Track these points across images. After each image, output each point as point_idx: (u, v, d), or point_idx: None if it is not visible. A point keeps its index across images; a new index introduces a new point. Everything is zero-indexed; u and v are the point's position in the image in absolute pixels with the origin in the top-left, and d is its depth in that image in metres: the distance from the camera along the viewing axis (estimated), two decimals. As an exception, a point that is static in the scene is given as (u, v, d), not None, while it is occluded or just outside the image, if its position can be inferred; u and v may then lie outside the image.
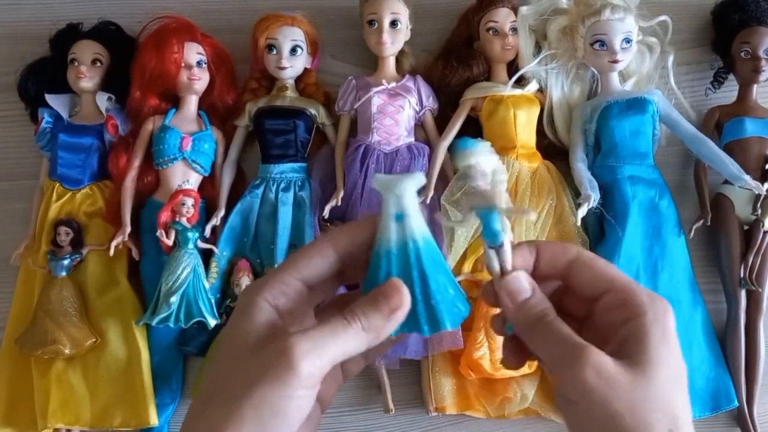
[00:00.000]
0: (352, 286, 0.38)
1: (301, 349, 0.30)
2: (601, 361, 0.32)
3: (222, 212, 0.82)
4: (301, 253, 0.35)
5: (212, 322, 0.76)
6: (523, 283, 0.35)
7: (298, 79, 0.87)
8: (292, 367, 0.29)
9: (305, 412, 0.31)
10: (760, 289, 0.80)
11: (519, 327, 0.36)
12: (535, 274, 0.36)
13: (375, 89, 0.82)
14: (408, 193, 0.33)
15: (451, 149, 0.32)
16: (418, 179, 0.34)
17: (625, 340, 0.33)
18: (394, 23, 0.83)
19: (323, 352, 0.30)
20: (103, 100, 0.84)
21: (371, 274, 0.35)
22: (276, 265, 0.79)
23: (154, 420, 0.76)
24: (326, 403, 0.38)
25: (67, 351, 0.75)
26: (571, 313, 0.38)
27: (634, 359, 0.32)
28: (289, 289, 0.34)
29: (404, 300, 0.33)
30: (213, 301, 0.77)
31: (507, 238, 0.34)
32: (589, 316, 0.37)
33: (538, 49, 0.84)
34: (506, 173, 0.35)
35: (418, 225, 0.34)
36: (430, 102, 0.85)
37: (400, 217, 0.33)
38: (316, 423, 0.36)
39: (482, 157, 0.35)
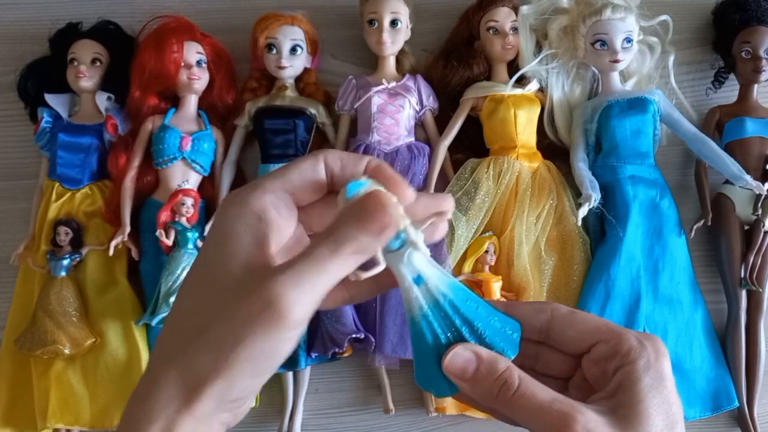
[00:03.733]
0: None
1: (290, 297, 0.27)
2: (592, 429, 0.29)
3: (222, 212, 0.81)
4: (293, 163, 0.32)
5: (212, 322, 0.76)
6: (463, 355, 0.32)
7: (298, 79, 0.86)
8: (283, 318, 0.27)
9: (294, 346, 0.29)
10: (760, 289, 0.79)
11: (485, 402, 0.32)
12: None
13: (375, 89, 0.82)
14: (415, 255, 0.32)
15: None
16: (417, 237, 0.32)
17: (616, 390, 0.31)
18: (394, 23, 0.83)
19: (313, 292, 0.28)
20: (102, 100, 0.84)
21: (418, 346, 0.34)
22: None
23: (153, 420, 0.76)
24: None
25: (66, 351, 0.75)
26: (552, 375, 0.35)
27: (626, 413, 0.30)
28: (279, 204, 0.31)
29: (392, 215, 0.29)
30: (213, 301, 0.77)
31: (422, 251, 0.32)
32: (574, 374, 0.35)
33: (538, 48, 0.84)
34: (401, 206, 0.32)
35: (438, 277, 0.33)
36: (431, 101, 0.84)
37: (420, 280, 0.33)
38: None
39: None
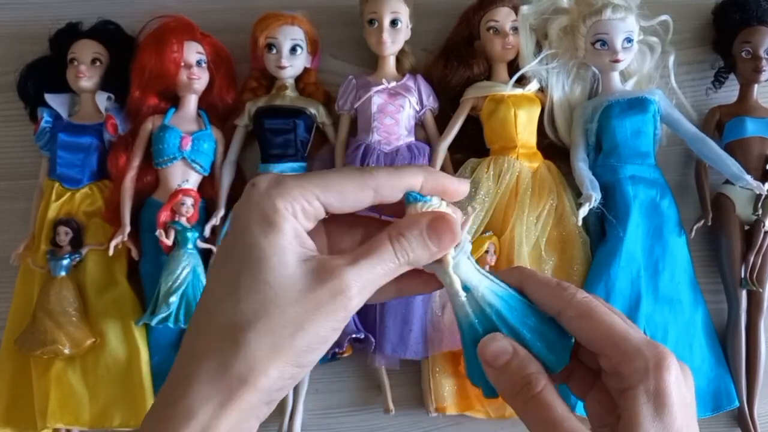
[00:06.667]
0: None
1: (356, 288, 0.30)
2: None
3: (222, 212, 0.82)
4: (337, 181, 0.32)
5: (212, 322, 0.76)
6: (500, 342, 0.31)
7: (298, 79, 0.86)
8: (348, 307, 0.30)
9: (335, 339, 0.31)
10: (760, 289, 0.79)
11: (502, 393, 0.32)
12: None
13: (375, 88, 0.82)
14: (463, 264, 0.33)
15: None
16: (465, 247, 0.33)
17: (619, 418, 0.30)
18: (394, 22, 0.82)
19: (373, 285, 0.31)
20: (102, 100, 0.84)
21: (466, 347, 0.34)
22: None
23: (153, 420, 0.76)
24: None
25: (66, 351, 0.75)
26: (583, 361, 0.34)
27: None
28: (309, 210, 0.31)
29: (456, 236, 0.32)
30: (213, 301, 0.77)
31: (456, 282, 0.33)
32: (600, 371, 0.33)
33: (538, 48, 0.84)
34: (459, 213, 0.34)
35: (486, 287, 0.33)
36: (431, 101, 0.84)
37: (467, 289, 0.33)
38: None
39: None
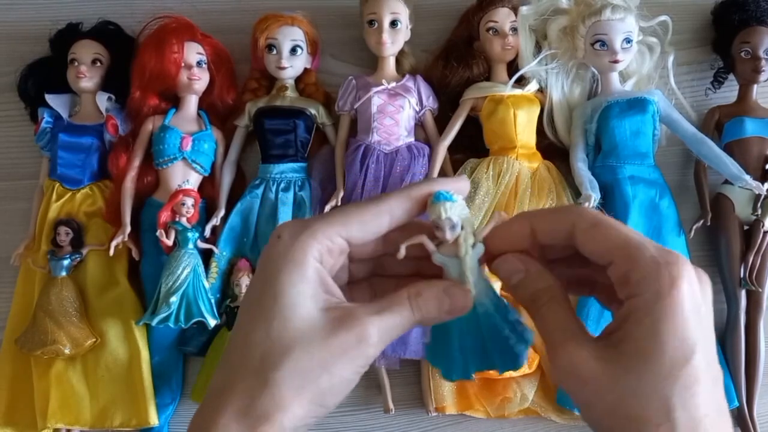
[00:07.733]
0: None
1: (377, 336, 0.32)
2: (574, 362, 0.30)
3: (222, 212, 0.82)
4: (356, 212, 0.34)
5: (212, 322, 0.76)
6: (510, 265, 0.34)
7: (298, 79, 0.87)
8: (369, 353, 0.32)
9: (354, 384, 0.33)
10: (760, 289, 0.80)
11: (522, 305, 0.35)
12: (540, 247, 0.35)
13: (375, 89, 0.82)
14: (474, 263, 0.34)
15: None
16: (478, 249, 0.35)
17: (623, 321, 0.30)
18: (394, 23, 0.83)
19: (389, 336, 0.33)
20: (103, 100, 0.84)
21: (443, 332, 0.36)
22: None
23: (154, 420, 0.76)
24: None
25: (66, 351, 0.75)
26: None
27: (628, 349, 0.29)
28: (334, 248, 0.33)
29: (468, 306, 0.34)
30: (213, 301, 0.77)
31: (470, 281, 0.35)
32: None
33: (538, 49, 0.84)
34: (474, 225, 0.36)
35: (483, 287, 0.35)
36: (430, 102, 0.85)
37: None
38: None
39: (454, 211, 0.35)
